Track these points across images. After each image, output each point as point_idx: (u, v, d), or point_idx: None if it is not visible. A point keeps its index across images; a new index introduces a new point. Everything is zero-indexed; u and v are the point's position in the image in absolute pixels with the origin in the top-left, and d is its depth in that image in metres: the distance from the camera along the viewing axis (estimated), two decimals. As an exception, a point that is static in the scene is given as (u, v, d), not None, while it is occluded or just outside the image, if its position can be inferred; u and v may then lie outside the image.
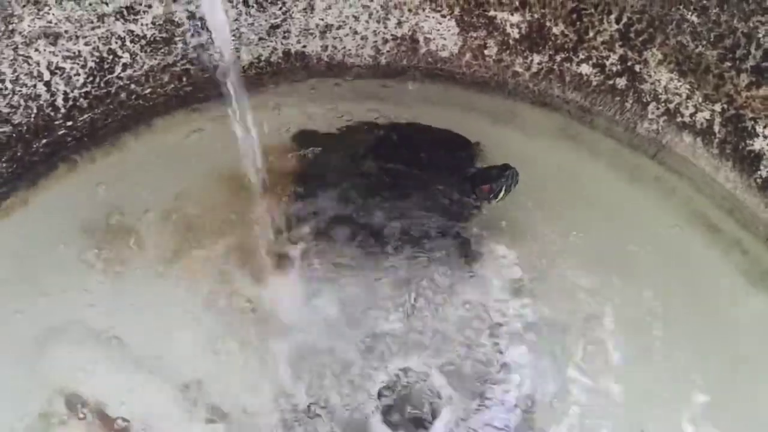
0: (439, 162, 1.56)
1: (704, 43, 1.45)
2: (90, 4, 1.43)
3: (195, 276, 1.44)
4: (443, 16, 1.65)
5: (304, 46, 1.70)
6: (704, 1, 1.40)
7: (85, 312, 1.38)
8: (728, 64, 1.44)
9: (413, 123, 1.63)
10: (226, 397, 1.31)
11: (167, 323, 1.38)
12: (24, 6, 1.36)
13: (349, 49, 1.71)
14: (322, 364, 1.34)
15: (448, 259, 1.45)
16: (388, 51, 1.73)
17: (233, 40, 1.64)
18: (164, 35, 1.56)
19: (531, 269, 1.46)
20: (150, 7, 1.50)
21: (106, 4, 1.45)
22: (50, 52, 1.45)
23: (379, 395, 1.30)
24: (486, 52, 1.69)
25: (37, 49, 1.43)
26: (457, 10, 1.63)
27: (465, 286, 1.43)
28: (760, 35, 1.36)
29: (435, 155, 1.57)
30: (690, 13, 1.43)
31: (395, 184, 1.53)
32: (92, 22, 1.46)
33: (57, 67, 1.48)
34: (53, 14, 1.40)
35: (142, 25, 1.52)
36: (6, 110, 1.46)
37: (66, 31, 1.44)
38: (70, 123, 1.57)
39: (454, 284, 1.43)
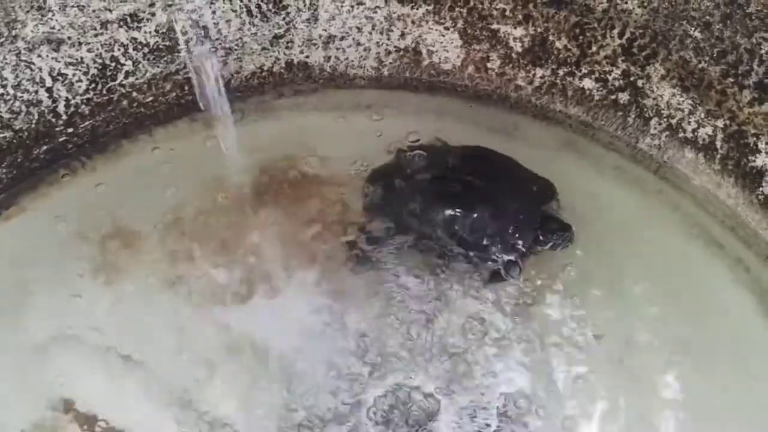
0: (516, 196, 1.51)
1: (707, 58, 1.45)
2: (94, 11, 1.43)
3: (195, 285, 1.43)
4: (446, 29, 1.65)
5: (307, 57, 1.70)
6: (707, 17, 1.40)
7: (82, 320, 1.38)
8: (731, 80, 1.44)
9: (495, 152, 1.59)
10: (222, 409, 1.29)
11: (165, 333, 1.37)
12: (27, 11, 1.36)
13: (352, 60, 1.72)
14: (322, 379, 1.33)
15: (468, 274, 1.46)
16: (390, 63, 1.73)
17: (236, 49, 1.64)
18: (167, 43, 1.56)
19: (535, 285, 1.45)
20: (153, 15, 1.50)
21: (110, 11, 1.45)
22: (53, 58, 1.45)
23: (377, 409, 1.29)
24: (489, 65, 1.69)
25: (39, 55, 1.43)
26: (460, 23, 1.63)
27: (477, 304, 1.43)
28: (763, 51, 1.36)
29: (514, 187, 1.52)
30: (693, 28, 1.43)
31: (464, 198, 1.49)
32: (95, 29, 1.46)
33: (59, 74, 1.48)
34: (56, 20, 1.41)
35: (145, 32, 1.52)
36: (7, 116, 1.46)
37: (69, 38, 1.45)
38: (71, 130, 1.57)
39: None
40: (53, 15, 1.40)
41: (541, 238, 1.45)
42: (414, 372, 1.34)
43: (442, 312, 1.41)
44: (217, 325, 1.39)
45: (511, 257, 1.44)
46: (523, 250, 1.44)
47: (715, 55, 1.43)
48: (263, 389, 1.32)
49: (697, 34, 1.44)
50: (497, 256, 1.45)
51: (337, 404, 1.30)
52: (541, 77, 1.67)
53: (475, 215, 1.44)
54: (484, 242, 1.45)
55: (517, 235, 1.44)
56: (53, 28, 1.41)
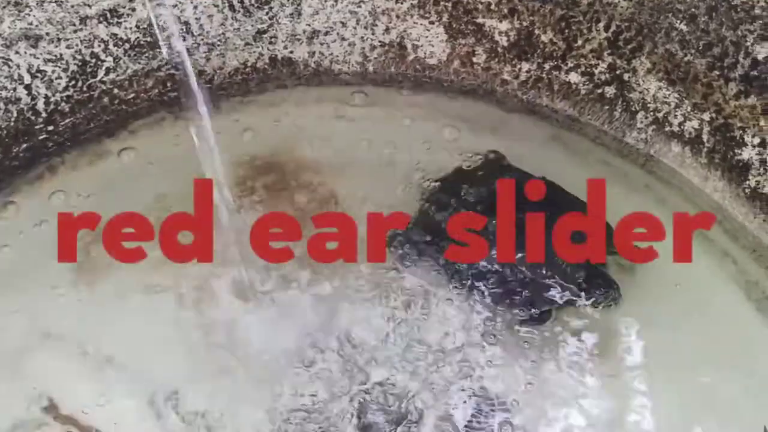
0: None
1: (693, 51, 1.44)
2: (72, 6, 1.41)
3: (178, 284, 1.41)
4: (431, 23, 1.64)
5: (291, 52, 1.69)
6: (693, 9, 1.39)
7: (65, 321, 1.36)
8: (717, 72, 1.43)
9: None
10: (204, 408, 1.28)
11: (148, 332, 1.36)
12: (4, 7, 1.34)
13: (337, 56, 1.70)
14: (306, 378, 1.32)
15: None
16: (375, 58, 1.71)
17: (219, 45, 1.62)
18: (149, 39, 1.54)
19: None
20: (134, 10, 1.48)
21: (89, 6, 1.43)
22: (31, 54, 1.43)
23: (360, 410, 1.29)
24: (474, 59, 1.68)
25: (17, 52, 1.41)
26: (445, 17, 1.62)
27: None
28: (749, 43, 1.35)
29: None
30: (679, 21, 1.43)
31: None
32: (74, 25, 1.45)
33: (38, 71, 1.46)
34: (34, 16, 1.39)
35: (125, 28, 1.51)
36: (-15, 114, 1.44)
37: (47, 34, 1.43)
38: (51, 127, 1.55)
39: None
40: (30, 11, 1.38)
41: (582, 291, 1.39)
42: (399, 373, 1.33)
43: (436, 317, 1.40)
44: (201, 325, 1.37)
45: (545, 307, 1.39)
46: (559, 302, 1.39)
47: (700, 47, 1.43)
48: (246, 388, 1.30)
49: (682, 26, 1.43)
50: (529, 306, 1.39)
51: (321, 403, 1.29)
52: (527, 71, 1.66)
53: (518, 256, 1.40)
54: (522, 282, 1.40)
55: (555, 282, 1.39)
56: (31, 23, 1.39)
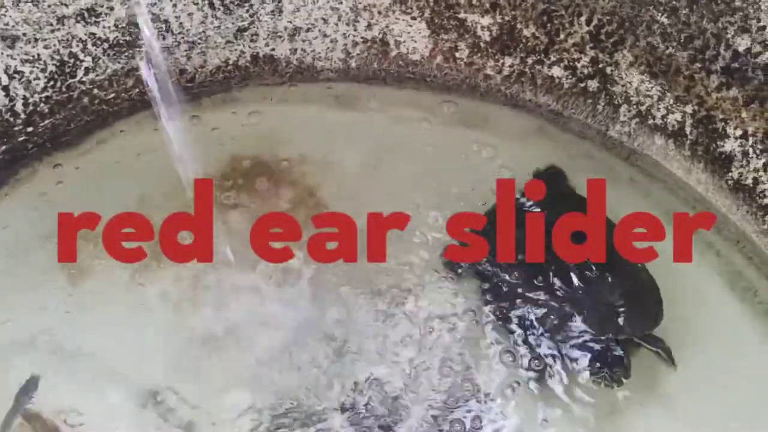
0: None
1: (674, 44, 1.44)
2: (49, 6, 1.40)
3: (163, 283, 1.41)
4: (413, 19, 1.63)
5: (273, 49, 1.67)
6: (674, 2, 1.39)
7: (46, 324, 1.35)
8: (698, 65, 1.43)
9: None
10: (192, 410, 1.27)
11: (131, 334, 1.35)
12: (-21, 8, 1.33)
13: (319, 53, 1.69)
14: (297, 377, 1.32)
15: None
16: (358, 54, 1.70)
17: (199, 43, 1.61)
18: (128, 38, 1.53)
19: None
20: (112, 9, 1.47)
21: (66, 5, 1.41)
22: (8, 55, 1.42)
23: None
24: (457, 54, 1.67)
25: (-7, 53, 1.40)
26: (427, 12, 1.61)
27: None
28: (729, 35, 1.35)
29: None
30: (660, 14, 1.43)
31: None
32: (51, 25, 1.43)
33: (15, 71, 1.45)
34: (10, 16, 1.37)
35: (104, 27, 1.49)
36: (-38, 116, 1.42)
37: (24, 34, 1.41)
38: (30, 129, 1.53)
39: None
40: (6, 11, 1.36)
41: (587, 362, 1.31)
42: (384, 370, 1.32)
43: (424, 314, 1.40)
44: (187, 324, 1.37)
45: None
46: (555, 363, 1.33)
47: (682, 40, 1.43)
48: (235, 387, 1.30)
49: (664, 19, 1.43)
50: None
51: (309, 402, 1.29)
52: (510, 66, 1.66)
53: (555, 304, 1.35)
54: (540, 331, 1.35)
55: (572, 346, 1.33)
56: (7, 24, 1.38)
